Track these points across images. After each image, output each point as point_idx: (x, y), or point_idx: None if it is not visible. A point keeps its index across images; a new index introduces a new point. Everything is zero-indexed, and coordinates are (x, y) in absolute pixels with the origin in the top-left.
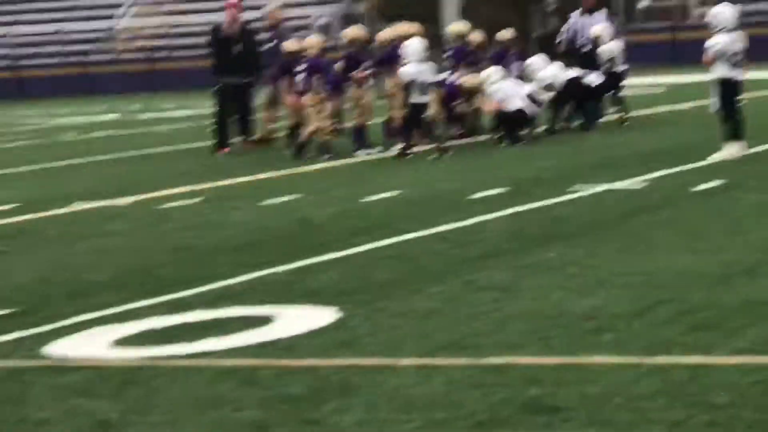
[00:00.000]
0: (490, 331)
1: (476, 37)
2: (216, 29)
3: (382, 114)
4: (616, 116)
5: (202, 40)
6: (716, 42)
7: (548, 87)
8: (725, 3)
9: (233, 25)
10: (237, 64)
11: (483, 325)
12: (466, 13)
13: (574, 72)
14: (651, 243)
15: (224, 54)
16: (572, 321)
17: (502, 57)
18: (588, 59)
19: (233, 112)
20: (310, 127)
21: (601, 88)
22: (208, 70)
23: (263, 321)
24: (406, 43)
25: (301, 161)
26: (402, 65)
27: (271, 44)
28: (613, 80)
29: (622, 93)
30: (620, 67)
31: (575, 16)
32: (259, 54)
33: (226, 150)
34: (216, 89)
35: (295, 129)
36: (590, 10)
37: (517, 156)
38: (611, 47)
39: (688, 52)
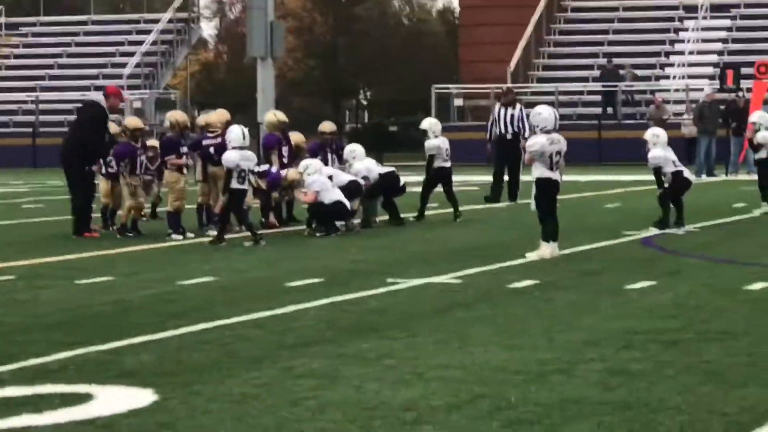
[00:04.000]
0: (310, 418)
1: (295, 138)
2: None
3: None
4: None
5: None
6: (534, 142)
7: (363, 179)
8: (546, 105)
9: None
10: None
11: (302, 412)
12: (280, 103)
13: (386, 167)
14: (468, 338)
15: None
16: (391, 411)
17: (321, 148)
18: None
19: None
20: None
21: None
22: (22, 148)
23: (81, 399)
24: (229, 129)
25: (117, 241)
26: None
27: None
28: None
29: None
30: (446, 164)
31: (496, 109)
32: None
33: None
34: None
35: (105, 209)
36: (508, 104)
37: (332, 247)
38: (436, 143)
39: None
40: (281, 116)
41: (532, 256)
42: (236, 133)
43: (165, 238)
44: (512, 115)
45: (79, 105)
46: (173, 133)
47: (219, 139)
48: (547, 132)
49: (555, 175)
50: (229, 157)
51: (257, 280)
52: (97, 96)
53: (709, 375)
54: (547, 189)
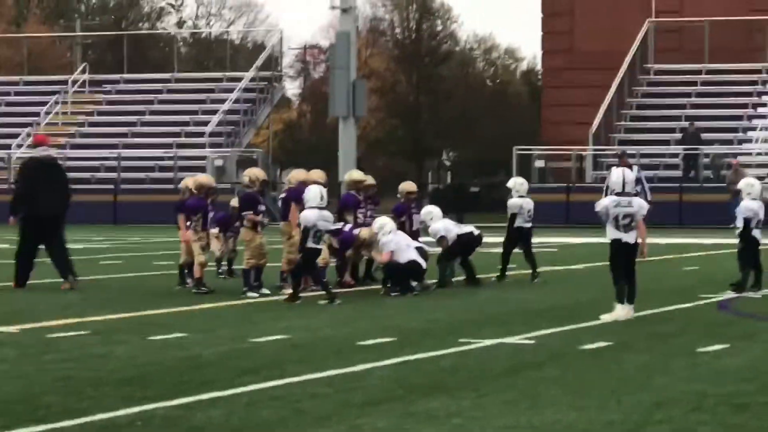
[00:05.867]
0: None
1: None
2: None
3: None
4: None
5: (95, 175)
6: (598, 203)
7: (440, 240)
8: (620, 167)
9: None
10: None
11: None
12: (363, 162)
13: (466, 227)
14: (537, 398)
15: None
16: None
17: (404, 209)
18: None
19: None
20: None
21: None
22: (103, 205)
23: None
24: (307, 188)
25: (193, 297)
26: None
27: None
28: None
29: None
30: (527, 224)
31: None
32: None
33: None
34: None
35: (184, 266)
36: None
37: (407, 306)
38: (518, 202)
39: (581, 213)
40: (360, 176)
41: (606, 317)
42: (314, 192)
43: (240, 296)
44: None
45: (41, 161)
46: (251, 189)
47: (284, 194)
48: (618, 194)
49: (626, 237)
50: (307, 216)
51: (329, 339)
52: (45, 149)
53: None
54: (616, 250)
